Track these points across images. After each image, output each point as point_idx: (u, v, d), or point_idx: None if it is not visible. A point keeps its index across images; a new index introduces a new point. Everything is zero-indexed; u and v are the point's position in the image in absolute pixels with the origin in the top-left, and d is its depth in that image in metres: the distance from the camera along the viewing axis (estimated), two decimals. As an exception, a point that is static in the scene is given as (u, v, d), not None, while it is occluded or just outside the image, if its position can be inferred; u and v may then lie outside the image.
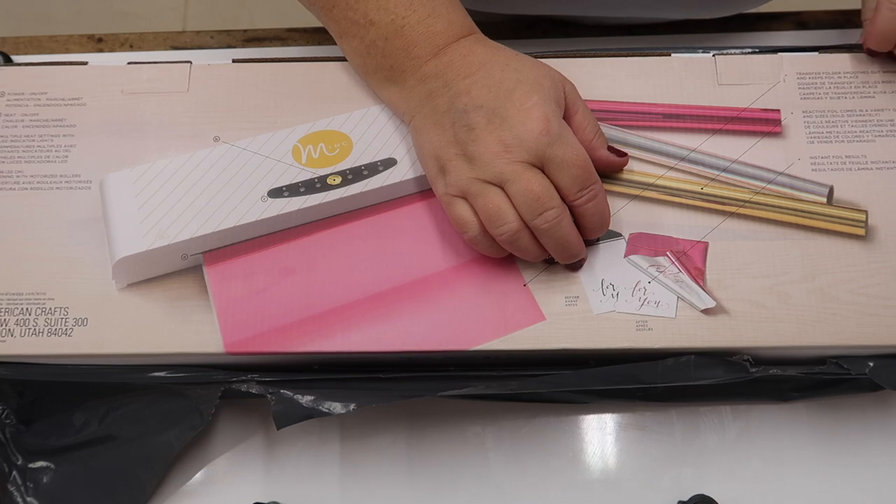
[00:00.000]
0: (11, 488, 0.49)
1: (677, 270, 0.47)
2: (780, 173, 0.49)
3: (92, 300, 0.47)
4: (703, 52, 0.52)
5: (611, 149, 0.48)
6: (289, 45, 0.65)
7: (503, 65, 0.46)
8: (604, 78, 0.51)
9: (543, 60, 0.49)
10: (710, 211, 0.48)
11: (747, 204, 0.48)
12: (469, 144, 0.44)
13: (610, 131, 0.50)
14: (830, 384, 0.50)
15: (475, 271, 0.47)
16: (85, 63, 0.54)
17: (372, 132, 0.50)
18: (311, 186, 0.48)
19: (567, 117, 0.46)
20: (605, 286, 0.47)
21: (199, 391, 0.48)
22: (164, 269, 0.48)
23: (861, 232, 0.47)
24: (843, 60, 0.52)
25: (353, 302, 0.47)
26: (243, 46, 0.65)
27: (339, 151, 0.50)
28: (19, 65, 0.55)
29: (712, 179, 0.49)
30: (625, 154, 0.48)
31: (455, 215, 0.45)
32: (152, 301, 0.47)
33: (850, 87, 0.51)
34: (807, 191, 0.48)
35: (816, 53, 0.52)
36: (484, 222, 0.44)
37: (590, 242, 0.47)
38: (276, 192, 0.48)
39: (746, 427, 0.51)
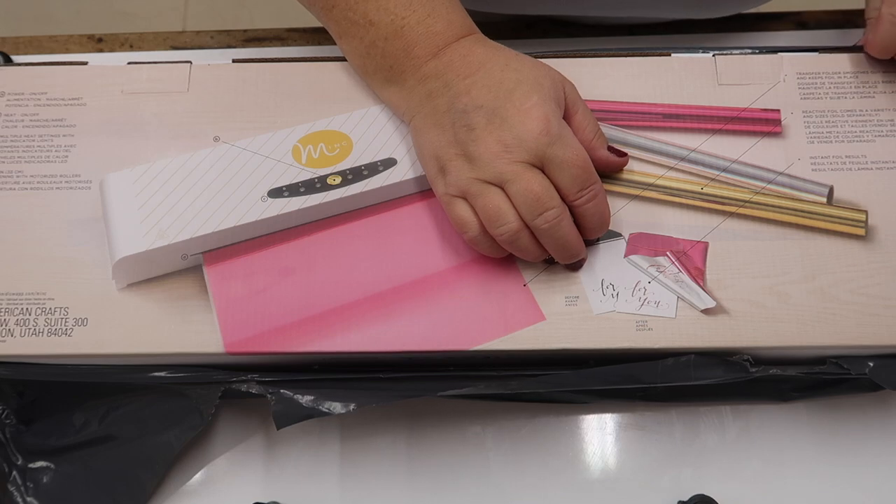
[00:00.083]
0: (11, 488, 0.49)
1: (677, 270, 0.47)
2: (780, 173, 0.49)
3: (92, 300, 0.47)
4: (703, 52, 0.52)
5: (611, 149, 0.48)
6: (289, 45, 0.65)
7: (503, 65, 0.46)
8: (604, 78, 0.51)
9: (543, 60, 0.49)
10: (710, 211, 0.48)
11: (747, 204, 0.48)
12: (469, 144, 0.44)
13: (610, 131, 0.50)
14: (830, 384, 0.50)
15: (475, 271, 0.47)
16: (85, 63, 0.54)
17: (372, 132, 0.50)
18: (311, 186, 0.48)
19: (567, 117, 0.46)
20: (605, 286, 0.47)
21: (199, 391, 0.48)
22: (164, 269, 0.48)
23: (861, 232, 0.47)
24: (843, 60, 0.52)
25: (353, 302, 0.47)
26: (243, 46, 0.65)
27: (339, 151, 0.50)
28: (19, 65, 0.55)
29: (712, 179, 0.49)
30: (625, 154, 0.48)
31: (455, 215, 0.45)
32: (152, 301, 0.47)
33: (850, 87, 0.51)
34: (807, 191, 0.48)
35: (816, 53, 0.52)
36: (484, 222, 0.44)
37: (590, 242, 0.47)
38: (276, 192, 0.48)
39: (746, 427, 0.51)
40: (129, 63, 0.53)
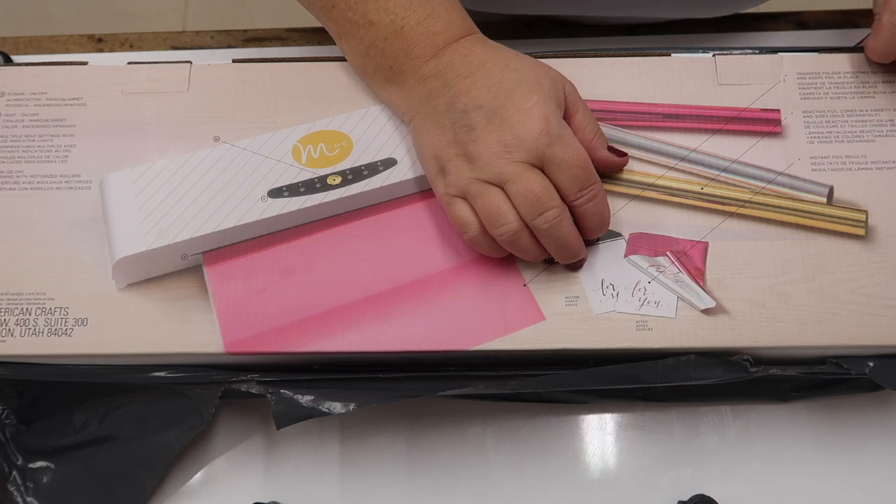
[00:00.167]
0: (11, 488, 0.49)
1: (677, 270, 0.47)
2: (780, 173, 0.49)
3: (92, 300, 0.47)
4: (703, 52, 0.52)
5: (611, 149, 0.48)
6: (289, 45, 0.65)
7: (503, 65, 0.46)
8: (604, 78, 0.51)
9: (543, 60, 0.49)
10: (710, 211, 0.48)
11: (747, 204, 0.48)
12: (469, 144, 0.44)
13: (610, 131, 0.50)
14: (830, 384, 0.50)
15: (475, 271, 0.47)
16: (85, 63, 0.54)
17: (372, 132, 0.50)
18: (311, 186, 0.48)
19: (567, 117, 0.46)
20: (605, 286, 0.47)
21: (199, 391, 0.48)
22: (164, 269, 0.48)
23: (861, 232, 0.47)
24: (843, 60, 0.52)
25: (353, 302, 0.47)
26: (243, 46, 0.65)
27: (339, 151, 0.50)
28: (19, 65, 0.55)
29: (712, 179, 0.49)
30: (625, 154, 0.48)
31: (455, 215, 0.45)
32: (152, 301, 0.47)
33: (850, 87, 0.51)
34: (807, 191, 0.48)
35: (816, 53, 0.52)
36: (484, 222, 0.44)
37: (590, 242, 0.47)
38: (276, 192, 0.48)
39: (746, 427, 0.51)
40: (129, 63, 0.53)
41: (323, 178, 0.49)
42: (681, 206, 0.48)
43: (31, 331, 0.46)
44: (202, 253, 0.48)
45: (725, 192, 0.49)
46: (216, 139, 0.50)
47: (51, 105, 0.52)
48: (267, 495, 0.50)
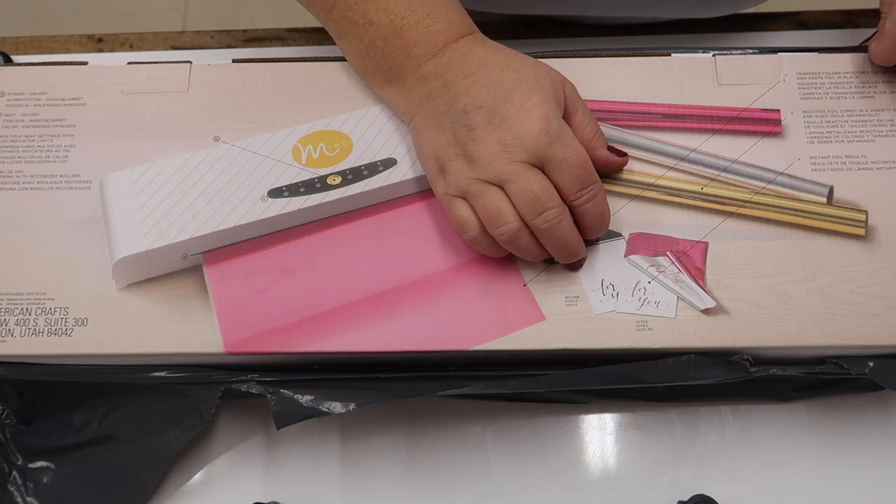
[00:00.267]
0: (11, 488, 0.49)
1: (677, 270, 0.47)
2: (780, 173, 0.49)
3: (92, 300, 0.47)
4: (703, 52, 0.52)
5: (611, 149, 0.48)
6: (289, 45, 0.65)
7: (503, 65, 0.46)
8: (604, 78, 0.51)
9: (543, 60, 0.49)
10: (710, 211, 0.48)
11: (747, 204, 0.48)
12: (469, 144, 0.44)
13: (610, 131, 0.50)
14: (830, 384, 0.50)
15: (475, 271, 0.47)
16: (85, 63, 0.54)
17: (372, 132, 0.50)
18: (311, 186, 0.48)
19: (567, 117, 0.46)
20: (605, 286, 0.47)
21: (199, 391, 0.48)
22: (164, 269, 0.48)
23: (861, 232, 0.47)
24: (843, 60, 0.52)
25: (353, 302, 0.47)
26: (243, 46, 0.65)
27: (339, 151, 0.50)
28: (19, 65, 0.55)
29: (712, 179, 0.49)
30: (625, 154, 0.48)
31: (455, 215, 0.45)
32: (152, 301, 0.47)
33: (850, 87, 0.51)
34: (807, 191, 0.48)
35: (816, 53, 0.52)
36: (484, 222, 0.44)
37: (590, 242, 0.47)
38: (276, 192, 0.48)
39: (746, 427, 0.51)
40: (129, 63, 0.53)
41: (323, 178, 0.49)
42: (681, 206, 0.48)
43: (31, 331, 0.46)
44: (202, 253, 0.48)
45: (725, 192, 0.49)
46: (216, 139, 0.50)
47: (51, 105, 0.52)
48: (267, 495, 0.50)
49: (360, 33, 0.48)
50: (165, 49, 0.64)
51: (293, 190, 0.48)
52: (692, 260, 0.47)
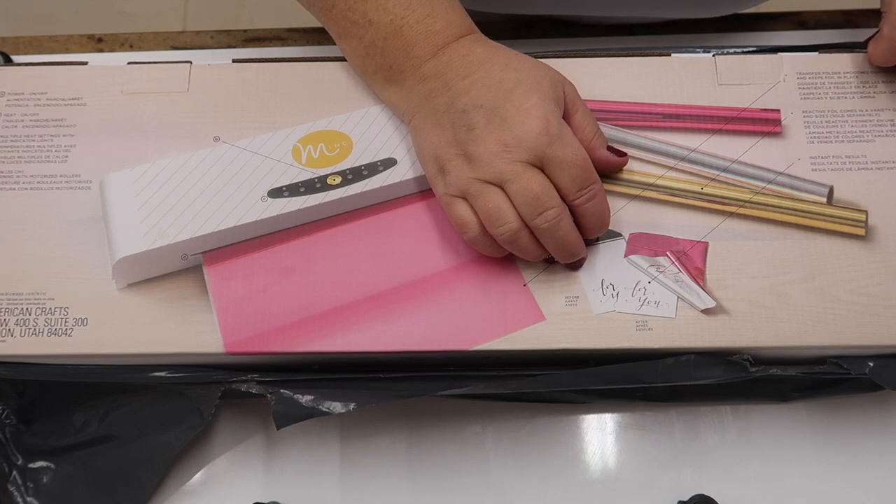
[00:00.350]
0: (11, 488, 0.49)
1: (677, 270, 0.47)
2: (780, 173, 0.49)
3: (92, 300, 0.47)
4: (703, 52, 0.52)
5: (610, 149, 0.48)
6: (289, 45, 0.65)
7: (502, 64, 0.46)
8: (604, 78, 0.51)
9: (543, 60, 0.49)
10: (710, 211, 0.48)
11: (747, 204, 0.48)
12: (469, 144, 0.44)
13: (610, 131, 0.50)
14: (830, 384, 0.50)
15: (475, 271, 0.47)
16: (85, 63, 0.54)
17: (372, 132, 0.50)
18: (311, 186, 0.48)
19: (566, 117, 0.46)
20: (605, 286, 0.47)
21: (199, 391, 0.48)
22: (164, 269, 0.48)
23: (861, 232, 0.47)
24: (843, 60, 0.52)
25: (353, 302, 0.47)
26: (243, 46, 0.65)
27: (339, 151, 0.50)
28: (19, 65, 0.55)
29: (712, 179, 0.49)
30: (624, 154, 0.48)
31: (455, 215, 0.45)
32: (152, 301, 0.47)
33: (850, 87, 0.51)
34: (807, 191, 0.48)
35: (816, 53, 0.52)
36: (484, 222, 0.44)
37: (590, 242, 0.47)
38: (276, 192, 0.48)
39: (746, 427, 0.51)
40: (129, 63, 0.53)
41: (323, 178, 0.49)
42: (681, 206, 0.48)
43: (31, 331, 0.46)
44: (202, 253, 0.48)
45: (725, 192, 0.49)
46: (216, 139, 0.50)
47: (51, 105, 0.52)
48: (267, 495, 0.50)
49: (360, 33, 0.48)
50: (165, 49, 0.64)
51: (293, 190, 0.48)
52: (692, 260, 0.47)
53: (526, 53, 0.48)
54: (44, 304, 0.47)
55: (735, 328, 0.45)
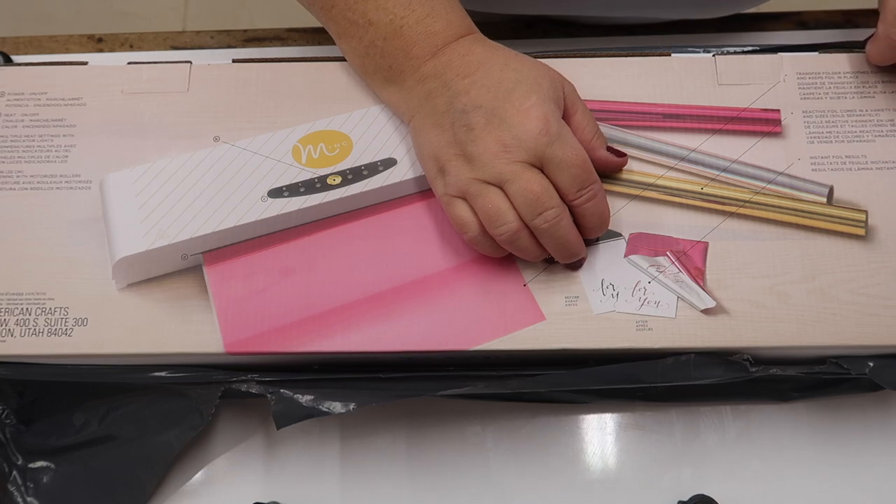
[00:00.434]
0: (11, 488, 0.49)
1: (677, 270, 0.47)
2: (780, 173, 0.49)
3: (92, 300, 0.47)
4: (703, 52, 0.52)
5: (610, 149, 0.48)
6: (289, 45, 0.65)
7: (502, 65, 0.46)
8: (604, 78, 0.51)
9: (543, 60, 0.49)
10: (710, 211, 0.48)
11: (747, 204, 0.48)
12: (468, 145, 0.44)
13: (610, 131, 0.50)
14: (830, 384, 0.50)
15: (475, 271, 0.47)
16: (85, 63, 0.54)
17: (372, 132, 0.50)
18: (311, 186, 0.48)
19: (566, 117, 0.46)
20: (605, 286, 0.47)
21: (199, 391, 0.48)
22: (164, 269, 0.48)
23: (861, 232, 0.47)
24: (843, 60, 0.52)
25: (353, 302, 0.47)
26: (243, 46, 0.65)
27: (339, 151, 0.50)
28: (19, 65, 0.55)
29: (712, 179, 0.49)
30: (624, 154, 0.48)
31: (454, 216, 0.45)
32: (152, 301, 0.47)
33: (850, 87, 0.51)
34: (807, 191, 0.48)
35: (816, 53, 0.52)
36: (483, 222, 0.44)
37: (590, 242, 0.47)
38: (276, 192, 0.48)
39: (746, 427, 0.51)
40: (129, 63, 0.53)
41: (323, 178, 0.49)
42: (681, 206, 0.48)
43: (31, 331, 0.46)
44: (202, 253, 0.48)
45: (725, 192, 0.49)
46: (216, 139, 0.50)
47: (51, 105, 0.52)
48: (267, 495, 0.50)
49: (360, 33, 0.48)
50: (165, 49, 0.64)
51: (293, 190, 0.48)
52: (692, 260, 0.47)
53: (526, 53, 0.48)
54: (44, 304, 0.47)
55: (735, 328, 0.45)
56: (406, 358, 0.46)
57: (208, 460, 0.51)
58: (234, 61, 0.53)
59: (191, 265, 0.48)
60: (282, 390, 0.46)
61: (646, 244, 0.48)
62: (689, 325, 0.46)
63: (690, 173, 0.49)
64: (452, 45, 0.47)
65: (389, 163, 0.49)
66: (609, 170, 0.49)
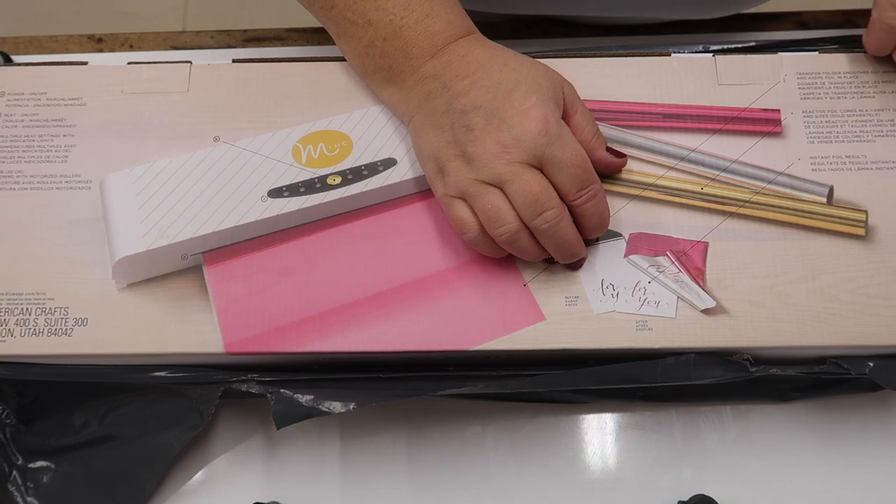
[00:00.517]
0: (11, 488, 0.49)
1: (677, 270, 0.47)
2: (780, 173, 0.49)
3: (92, 300, 0.47)
4: (703, 52, 0.52)
5: (609, 149, 0.48)
6: (289, 45, 0.65)
7: (501, 65, 0.46)
8: (604, 78, 0.51)
9: (543, 60, 0.49)
10: (710, 211, 0.48)
11: (747, 204, 0.48)
12: (468, 145, 0.44)
13: (610, 131, 0.50)
14: (830, 384, 0.50)
15: (475, 271, 0.47)
16: (85, 63, 0.54)
17: (372, 132, 0.50)
18: (311, 186, 0.48)
19: (566, 118, 0.46)
20: (605, 286, 0.47)
21: (199, 391, 0.48)
22: (164, 269, 0.48)
23: (861, 232, 0.47)
24: (843, 60, 0.52)
25: (353, 302, 0.47)
26: (243, 46, 0.65)
27: (339, 151, 0.50)
28: (19, 65, 0.55)
29: (712, 179, 0.49)
30: (623, 155, 0.48)
31: (454, 216, 0.45)
32: (152, 301, 0.47)
33: (850, 87, 0.51)
34: (807, 191, 0.48)
35: (816, 53, 0.52)
36: (483, 223, 0.44)
37: (590, 242, 0.47)
38: (276, 192, 0.48)
39: (746, 427, 0.51)
40: (129, 63, 0.53)
41: (323, 178, 0.49)
42: (681, 206, 0.48)
43: (31, 331, 0.46)
44: (202, 253, 0.48)
45: (725, 192, 0.49)
46: (216, 139, 0.50)
47: (51, 105, 0.52)
48: (267, 495, 0.50)
49: (360, 33, 0.48)
50: (165, 49, 0.64)
51: (293, 190, 0.48)
52: (692, 260, 0.47)
53: (526, 53, 0.48)
54: (44, 304, 0.47)
55: (735, 328, 0.45)
56: (406, 358, 0.46)
57: (208, 460, 0.51)
58: (234, 61, 0.53)
59: (191, 265, 0.48)
60: (282, 390, 0.46)
61: (646, 244, 0.48)
62: (689, 325, 0.46)
63: (690, 173, 0.49)
64: (452, 46, 0.47)
65: (389, 163, 0.49)
66: (608, 170, 0.49)
